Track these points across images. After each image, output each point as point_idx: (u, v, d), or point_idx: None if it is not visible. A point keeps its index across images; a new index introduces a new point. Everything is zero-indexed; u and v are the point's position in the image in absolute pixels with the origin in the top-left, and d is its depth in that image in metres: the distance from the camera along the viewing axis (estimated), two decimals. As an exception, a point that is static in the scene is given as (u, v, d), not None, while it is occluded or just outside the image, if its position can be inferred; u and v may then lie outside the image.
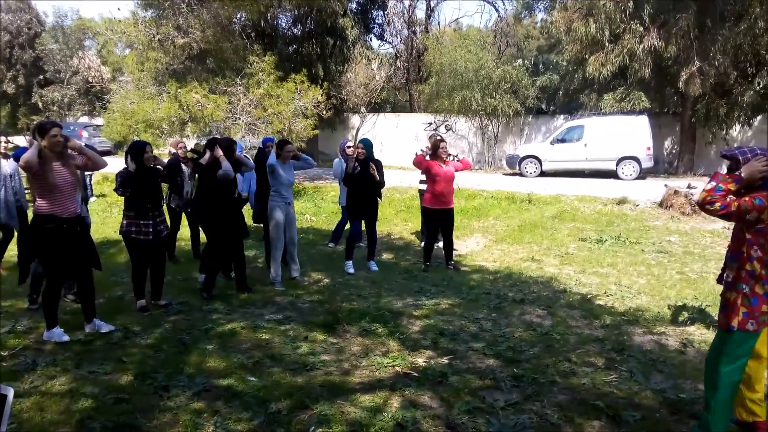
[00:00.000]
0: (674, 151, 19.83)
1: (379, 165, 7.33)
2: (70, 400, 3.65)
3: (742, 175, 3.06)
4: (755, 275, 3.07)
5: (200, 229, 6.88)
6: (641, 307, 5.81)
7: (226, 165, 5.85)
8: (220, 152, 5.87)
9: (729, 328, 3.14)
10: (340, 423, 3.41)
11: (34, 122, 28.73)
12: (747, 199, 3.03)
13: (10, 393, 2.00)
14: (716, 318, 3.37)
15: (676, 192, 11.63)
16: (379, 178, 7.22)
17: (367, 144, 7.30)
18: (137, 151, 5.39)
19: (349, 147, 8.21)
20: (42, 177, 4.44)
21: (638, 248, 8.67)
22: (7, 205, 6.59)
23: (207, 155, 5.99)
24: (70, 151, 4.64)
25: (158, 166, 5.70)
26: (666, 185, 12.51)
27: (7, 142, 7.21)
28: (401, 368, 4.23)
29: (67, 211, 4.58)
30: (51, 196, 4.48)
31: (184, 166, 7.31)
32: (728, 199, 3.04)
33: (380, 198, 7.55)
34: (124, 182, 5.28)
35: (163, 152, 10.34)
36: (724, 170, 3.39)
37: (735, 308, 3.12)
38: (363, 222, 7.41)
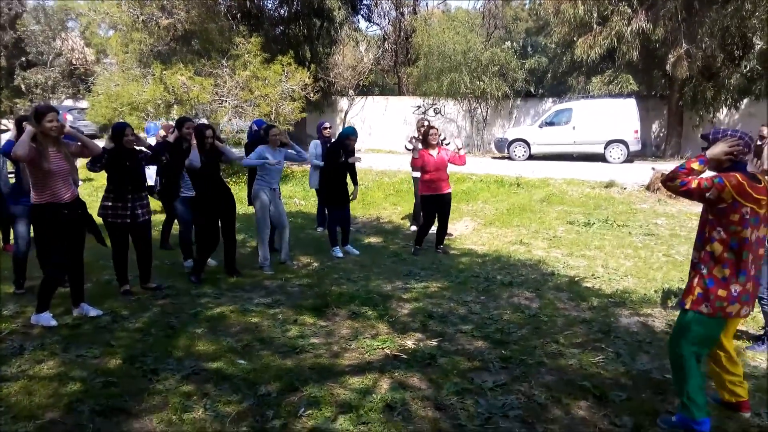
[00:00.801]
0: (662, 135, 19.91)
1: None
2: (59, 384, 3.64)
3: (707, 155, 3.08)
4: (714, 257, 3.07)
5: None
6: (628, 290, 5.87)
7: (194, 155, 5.78)
8: (194, 141, 5.80)
9: (681, 305, 3.17)
10: (329, 405, 3.43)
11: (17, 105, 28.24)
12: (707, 177, 3.04)
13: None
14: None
15: (663, 175, 11.69)
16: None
17: (350, 132, 7.34)
18: (117, 132, 5.32)
19: (325, 128, 8.51)
20: (37, 164, 4.35)
21: (625, 231, 8.74)
22: None
23: (174, 134, 5.97)
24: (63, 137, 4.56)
25: (141, 148, 5.62)
26: (653, 168, 12.59)
27: None
28: (390, 350, 4.26)
29: (65, 196, 4.52)
30: (46, 184, 4.41)
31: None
32: (689, 178, 3.05)
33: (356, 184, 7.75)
34: (94, 158, 5.12)
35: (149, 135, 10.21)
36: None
37: (691, 288, 3.14)
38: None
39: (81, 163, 13.78)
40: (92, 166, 5.22)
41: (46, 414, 3.28)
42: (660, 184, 11.31)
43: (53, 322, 4.63)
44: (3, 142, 7.06)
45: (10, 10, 31.62)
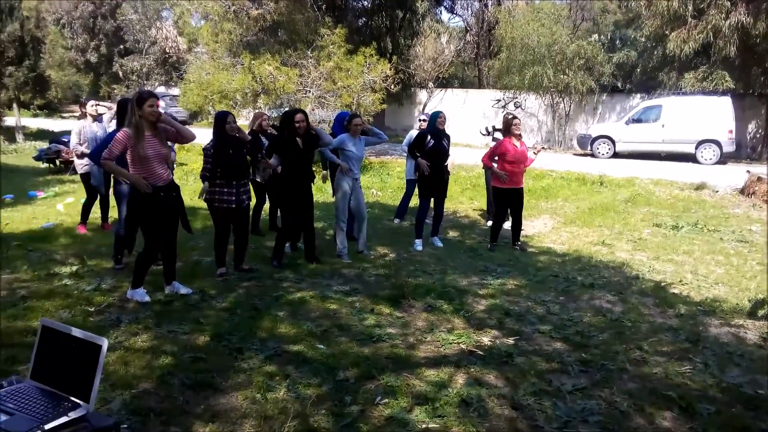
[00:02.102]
0: (758, 136, 18.69)
1: (448, 138, 7.33)
2: (152, 357, 3.87)
3: None
4: None
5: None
6: (718, 298, 5.59)
7: (274, 160, 6.05)
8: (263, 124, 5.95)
9: None
10: (406, 395, 3.47)
11: (115, 90, 29.87)
12: None
13: (105, 344, 2.14)
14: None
15: (759, 179, 11.01)
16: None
17: (434, 117, 7.25)
18: (219, 121, 5.56)
19: (422, 120, 8.35)
20: (134, 149, 4.62)
21: (717, 236, 8.29)
22: (95, 168, 6.95)
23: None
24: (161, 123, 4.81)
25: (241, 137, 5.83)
26: (748, 171, 11.86)
27: (97, 104, 7.57)
28: (466, 346, 4.25)
29: (161, 179, 4.76)
30: (143, 167, 4.66)
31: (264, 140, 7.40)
32: None
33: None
34: (207, 170, 5.55)
35: (242, 123, 10.58)
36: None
37: None
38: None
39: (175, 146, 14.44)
40: (206, 177, 5.60)
41: (140, 384, 3.49)
42: (756, 189, 10.67)
43: (147, 298, 4.92)
44: (106, 122, 7.53)
45: (112, 0, 33.53)
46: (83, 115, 7.50)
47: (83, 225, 7.62)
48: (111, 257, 6.08)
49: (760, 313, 5.15)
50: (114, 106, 6.88)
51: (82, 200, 7.90)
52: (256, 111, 8.14)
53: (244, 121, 13.79)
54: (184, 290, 5.14)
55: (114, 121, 6.37)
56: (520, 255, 7.20)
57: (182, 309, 4.81)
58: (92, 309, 4.74)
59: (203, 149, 5.69)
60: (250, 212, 6.06)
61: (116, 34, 33.74)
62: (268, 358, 3.89)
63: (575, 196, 11.39)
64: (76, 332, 2.21)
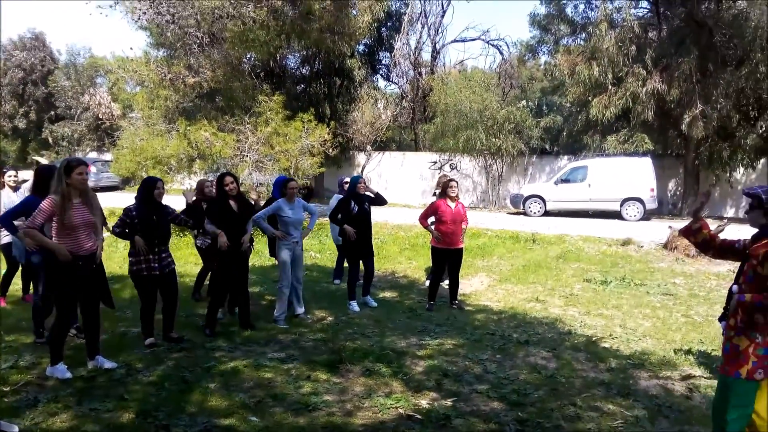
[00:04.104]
0: (678, 193, 19.88)
1: (370, 201, 7.44)
2: (71, 438, 3.62)
3: None
4: None
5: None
6: (647, 351, 5.77)
7: (208, 226, 6.02)
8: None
9: (735, 375, 3.10)
10: (342, 465, 3.37)
11: (43, 157, 28.90)
12: None
13: (15, 430, 2.01)
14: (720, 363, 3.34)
15: (680, 234, 11.60)
16: (374, 194, 7.42)
17: (356, 179, 7.40)
18: (148, 187, 5.47)
19: (345, 183, 8.46)
20: (60, 217, 4.46)
21: (643, 290, 8.63)
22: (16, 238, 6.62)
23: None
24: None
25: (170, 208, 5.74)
26: (670, 227, 12.51)
27: (16, 175, 7.30)
28: (404, 410, 4.20)
29: (83, 248, 4.61)
30: (69, 236, 4.51)
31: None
32: None
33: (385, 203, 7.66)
34: (122, 223, 5.42)
35: (174, 187, 10.42)
36: (730, 212, 3.41)
37: (746, 356, 3.08)
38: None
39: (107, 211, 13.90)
40: (119, 232, 5.45)
41: (57, 468, 3.26)
42: (678, 244, 11.23)
43: (68, 374, 4.65)
44: (23, 192, 7.20)
45: (43, 66, 33.00)
46: (1, 185, 7.20)
47: (2, 297, 7.21)
48: (32, 331, 5.74)
49: (686, 364, 5.34)
50: (28, 177, 6.65)
51: (2, 272, 7.49)
52: (199, 179, 8.04)
53: (178, 185, 13.61)
54: (108, 364, 4.89)
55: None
56: (457, 314, 7.26)
57: (106, 384, 4.56)
58: (7, 389, 4.43)
59: (124, 209, 5.54)
60: (177, 277, 5.86)
61: (47, 101, 33.09)
62: (197, 433, 3.72)
63: (510, 254, 11.67)
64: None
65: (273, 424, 3.90)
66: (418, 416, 4.08)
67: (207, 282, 7.82)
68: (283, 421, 3.96)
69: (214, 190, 7.18)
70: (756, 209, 3.23)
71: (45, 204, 4.47)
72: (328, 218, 8.16)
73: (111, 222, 5.77)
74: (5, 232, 6.96)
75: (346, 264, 8.79)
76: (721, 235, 3.59)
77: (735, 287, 3.31)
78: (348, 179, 8.77)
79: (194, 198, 7.03)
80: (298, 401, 4.31)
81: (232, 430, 3.79)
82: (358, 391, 4.57)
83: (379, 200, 7.46)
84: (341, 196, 8.45)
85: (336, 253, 9.34)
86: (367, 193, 7.38)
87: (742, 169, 18.52)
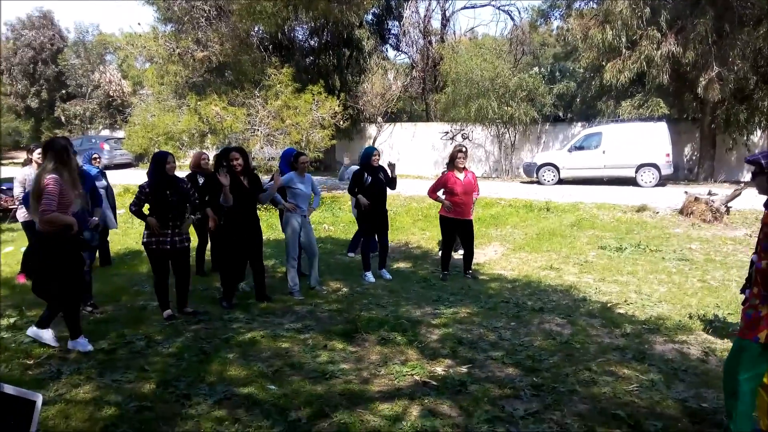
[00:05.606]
0: (694, 158, 19.61)
1: (391, 166, 7.37)
2: (95, 408, 3.71)
3: None
4: None
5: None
6: (662, 316, 5.76)
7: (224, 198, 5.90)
8: (225, 182, 5.82)
9: (754, 339, 3.10)
10: (359, 431, 3.43)
11: (57, 136, 29.29)
12: None
13: (39, 399, 2.06)
14: (738, 327, 3.33)
15: (696, 199, 11.50)
16: (391, 175, 7.32)
17: (370, 151, 7.31)
18: (159, 162, 5.49)
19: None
20: (65, 196, 4.46)
21: (659, 256, 8.59)
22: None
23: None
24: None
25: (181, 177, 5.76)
26: (686, 192, 12.38)
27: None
28: (420, 377, 4.24)
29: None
30: (63, 212, 4.48)
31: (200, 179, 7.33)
32: None
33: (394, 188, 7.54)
34: (136, 203, 5.50)
35: (185, 164, 10.45)
36: (747, 176, 3.38)
37: (766, 321, 3.08)
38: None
39: (118, 189, 14.03)
40: (135, 209, 5.53)
41: (82, 437, 3.35)
42: (694, 209, 11.13)
43: (89, 347, 4.73)
44: (26, 173, 7.19)
45: (53, 45, 32.99)
46: (28, 162, 7.21)
47: (23, 274, 7.32)
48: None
49: (702, 328, 5.33)
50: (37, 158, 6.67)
51: (23, 249, 7.60)
52: (196, 152, 8.06)
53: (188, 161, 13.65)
54: (86, 347, 4.74)
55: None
56: (471, 283, 7.28)
57: (127, 356, 4.65)
58: (31, 362, 4.53)
59: (139, 186, 5.59)
60: (191, 253, 5.92)
61: (58, 79, 33.16)
62: (217, 402, 3.79)
63: (523, 223, 11.64)
64: (8, 389, 2.11)
65: (291, 392, 3.96)
66: (434, 383, 4.13)
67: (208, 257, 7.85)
68: (301, 389, 4.02)
69: (211, 164, 7.21)
70: (759, 175, 3.23)
71: (53, 184, 4.40)
72: (347, 191, 8.12)
73: (121, 199, 5.81)
74: (23, 211, 7.07)
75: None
76: (737, 200, 3.54)
77: (755, 256, 3.29)
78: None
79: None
80: (315, 369, 4.37)
81: (251, 398, 3.85)
82: (374, 360, 4.62)
83: (390, 183, 7.40)
84: (356, 167, 8.39)
85: (355, 226, 9.33)
86: (384, 165, 7.35)
87: (759, 132, 18.20)
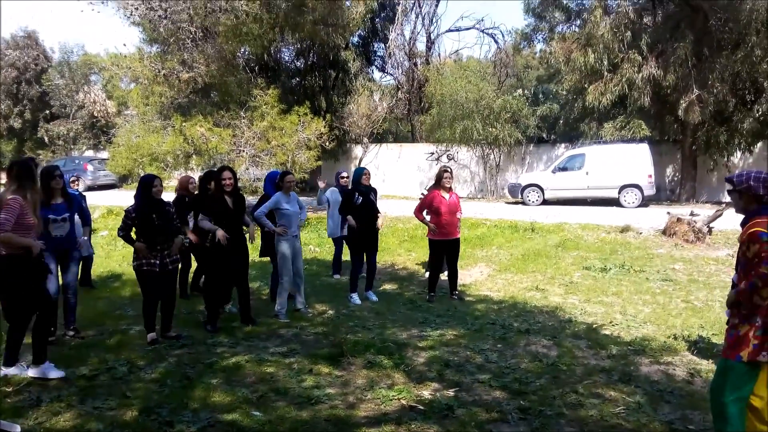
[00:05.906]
0: (676, 179, 19.89)
1: (375, 192, 7.46)
2: (75, 437, 3.63)
3: None
4: None
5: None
6: (647, 337, 5.78)
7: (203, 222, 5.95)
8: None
9: (736, 358, 3.13)
10: (346, 458, 3.38)
11: (40, 156, 28.84)
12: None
13: (17, 429, 2.00)
14: (722, 347, 3.36)
15: (679, 219, 11.63)
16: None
17: (361, 171, 7.37)
18: (145, 185, 5.46)
19: (342, 177, 8.59)
20: (25, 217, 4.37)
21: (642, 276, 8.65)
22: None
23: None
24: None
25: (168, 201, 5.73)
26: (669, 213, 12.52)
27: None
28: (407, 401, 4.21)
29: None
30: (27, 236, 4.41)
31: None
32: None
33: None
34: (123, 228, 5.47)
35: (171, 185, 10.41)
36: (728, 197, 3.44)
37: (746, 340, 3.11)
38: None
39: (102, 211, 13.89)
40: (123, 234, 5.48)
41: (61, 467, 3.27)
42: (676, 229, 11.25)
43: (58, 373, 4.58)
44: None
45: (37, 65, 32.82)
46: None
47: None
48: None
49: (687, 349, 5.36)
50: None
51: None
52: (182, 176, 8.03)
53: (175, 182, 13.57)
54: (54, 374, 4.62)
55: None
56: (458, 304, 7.27)
57: (108, 383, 4.56)
58: (10, 389, 4.42)
59: (125, 211, 5.55)
60: (177, 276, 5.87)
61: (42, 100, 32.89)
62: (200, 430, 3.73)
63: (509, 244, 11.68)
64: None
65: (276, 418, 3.91)
66: (421, 407, 4.09)
67: (190, 280, 7.76)
68: (286, 415, 3.97)
69: (197, 187, 7.21)
70: (732, 193, 3.33)
71: (14, 203, 4.30)
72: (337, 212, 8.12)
73: (99, 222, 5.75)
74: None
75: (344, 258, 8.81)
76: (719, 221, 3.62)
77: (735, 276, 3.34)
78: (345, 174, 8.79)
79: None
80: (301, 395, 4.32)
81: (235, 425, 3.79)
82: (360, 384, 4.58)
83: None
84: (336, 189, 8.50)
85: (333, 247, 9.33)
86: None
87: (739, 154, 18.52)
